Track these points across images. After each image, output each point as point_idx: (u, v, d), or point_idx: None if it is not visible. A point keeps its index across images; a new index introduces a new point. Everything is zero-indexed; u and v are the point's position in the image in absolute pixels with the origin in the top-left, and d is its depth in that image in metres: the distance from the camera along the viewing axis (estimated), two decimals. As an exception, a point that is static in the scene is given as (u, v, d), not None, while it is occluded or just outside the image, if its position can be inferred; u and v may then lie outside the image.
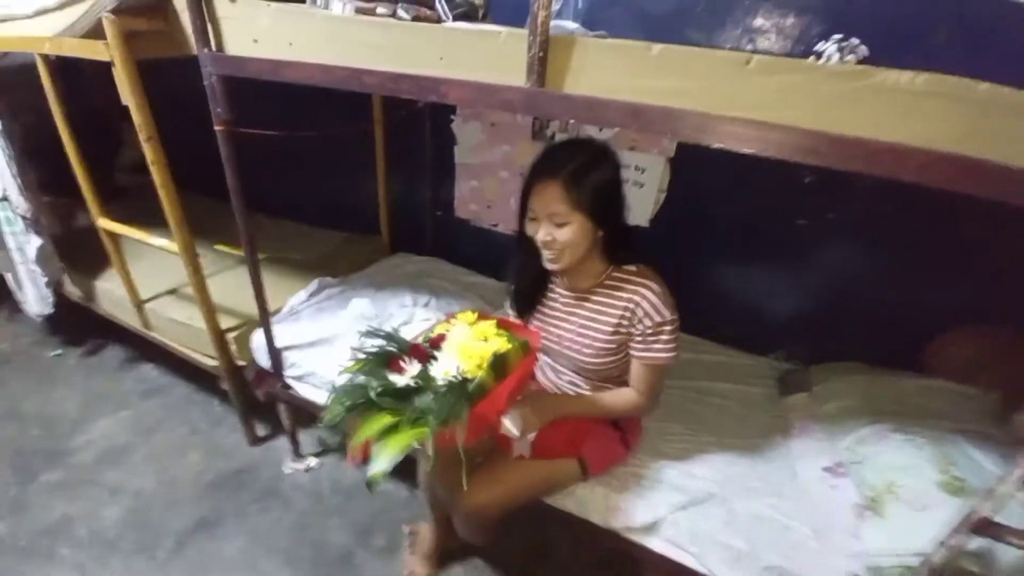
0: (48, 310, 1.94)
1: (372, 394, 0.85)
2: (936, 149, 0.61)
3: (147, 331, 1.81)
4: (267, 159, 2.11)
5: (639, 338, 1.09)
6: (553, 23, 0.91)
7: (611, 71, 0.75)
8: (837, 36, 0.73)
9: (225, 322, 1.64)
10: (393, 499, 1.69)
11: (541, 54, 0.77)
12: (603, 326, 1.11)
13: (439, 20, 1.02)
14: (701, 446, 1.36)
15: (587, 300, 1.14)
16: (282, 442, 1.84)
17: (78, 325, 2.28)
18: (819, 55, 0.71)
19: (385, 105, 1.94)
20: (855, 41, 0.72)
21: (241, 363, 1.66)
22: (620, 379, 1.20)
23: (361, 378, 0.90)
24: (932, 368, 1.53)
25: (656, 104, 0.70)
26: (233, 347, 1.62)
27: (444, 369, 0.87)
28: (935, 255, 1.47)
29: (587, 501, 1.23)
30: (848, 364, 1.60)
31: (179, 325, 1.70)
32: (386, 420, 0.83)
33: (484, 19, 1.12)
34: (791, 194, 1.53)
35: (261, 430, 1.89)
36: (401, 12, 0.99)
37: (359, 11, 1.04)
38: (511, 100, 0.83)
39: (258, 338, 1.58)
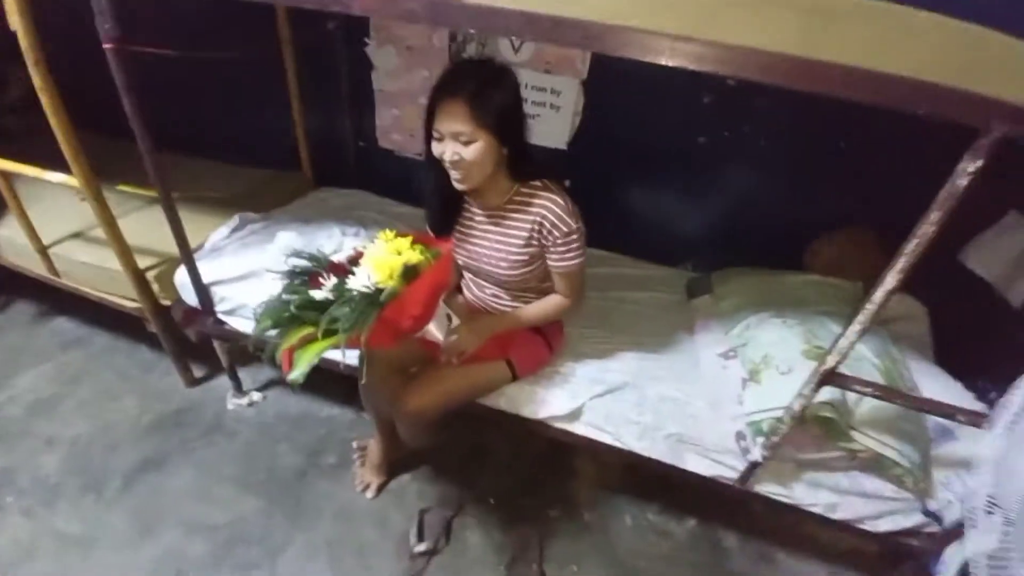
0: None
1: (292, 308, 0.91)
2: (776, 51, 0.71)
3: (56, 279, 1.72)
4: (172, 92, 1.96)
5: (551, 250, 1.18)
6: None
7: (507, -20, 0.78)
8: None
9: (142, 262, 1.58)
10: (339, 422, 1.78)
11: (440, -38, 0.79)
12: (515, 239, 1.20)
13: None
14: (617, 345, 1.52)
15: (499, 217, 1.21)
16: (222, 381, 1.85)
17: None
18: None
19: (292, 24, 1.83)
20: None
21: (166, 302, 1.63)
22: (538, 288, 1.31)
23: (284, 295, 0.96)
24: (811, 266, 1.77)
25: (547, 12, 0.75)
26: (155, 287, 1.59)
27: (359, 281, 0.93)
28: (813, 166, 1.66)
29: (517, 398, 1.37)
30: (744, 268, 1.80)
31: (91, 268, 1.62)
32: (306, 330, 0.90)
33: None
34: (692, 114, 1.65)
35: (198, 371, 1.88)
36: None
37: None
38: (414, 10, 0.84)
39: (182, 275, 1.55)
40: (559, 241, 1.16)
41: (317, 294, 0.94)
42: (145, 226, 1.69)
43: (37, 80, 1.16)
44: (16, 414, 1.74)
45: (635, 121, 1.74)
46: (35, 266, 1.71)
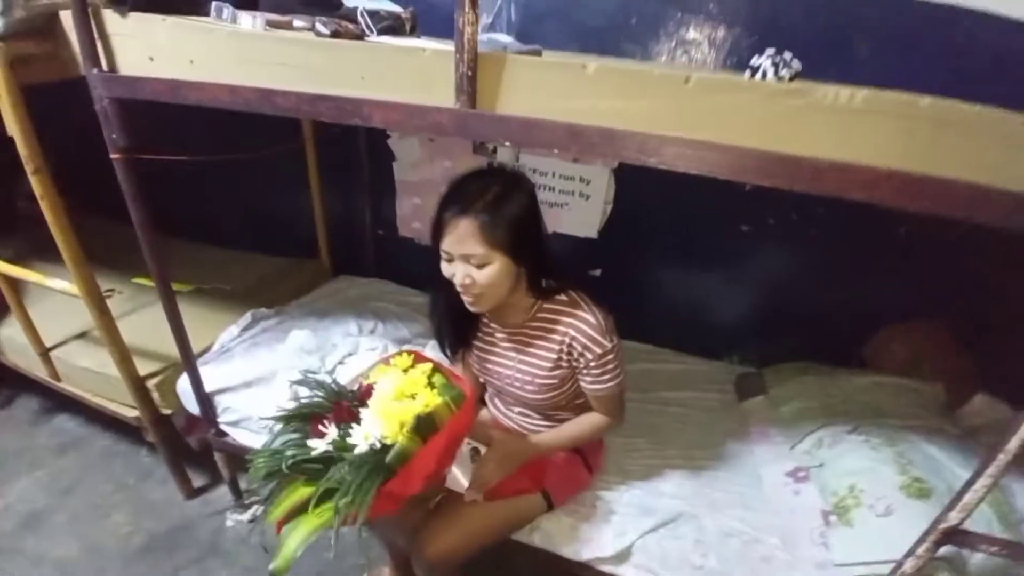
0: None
1: (284, 466, 0.77)
2: (880, 166, 0.58)
3: (57, 383, 1.62)
4: (189, 180, 1.94)
5: (585, 372, 1.03)
6: (486, 37, 0.86)
7: (546, 91, 0.69)
8: (771, 51, 0.70)
9: (147, 366, 1.48)
10: (348, 544, 1.56)
11: (470, 73, 0.71)
12: (542, 362, 1.05)
13: (361, 35, 0.94)
14: (666, 460, 1.33)
15: (521, 337, 1.07)
16: (222, 492, 1.68)
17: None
18: (755, 70, 0.68)
19: (315, 121, 1.82)
20: (788, 56, 0.69)
21: (167, 411, 1.50)
22: (571, 406, 1.14)
23: (279, 441, 0.82)
24: (875, 364, 1.58)
25: (596, 125, 0.65)
26: (156, 395, 1.46)
27: (364, 432, 0.79)
28: (871, 254, 1.51)
29: (554, 534, 1.17)
30: (799, 364, 1.62)
31: (91, 374, 1.52)
32: (301, 493, 0.75)
33: (413, 33, 1.05)
34: (734, 201, 1.53)
35: (197, 480, 1.72)
36: (320, 27, 0.90)
37: (272, 25, 0.94)
38: (441, 123, 0.76)
39: (185, 383, 1.43)
40: (593, 364, 1.01)
41: (316, 446, 0.79)
42: (157, 323, 1.58)
43: (37, 189, 1.12)
44: (7, 528, 1.59)
45: (671, 209, 1.63)
46: (36, 368, 1.63)
